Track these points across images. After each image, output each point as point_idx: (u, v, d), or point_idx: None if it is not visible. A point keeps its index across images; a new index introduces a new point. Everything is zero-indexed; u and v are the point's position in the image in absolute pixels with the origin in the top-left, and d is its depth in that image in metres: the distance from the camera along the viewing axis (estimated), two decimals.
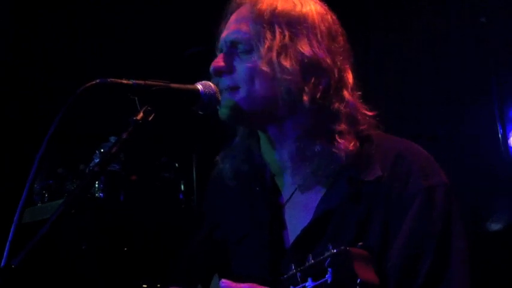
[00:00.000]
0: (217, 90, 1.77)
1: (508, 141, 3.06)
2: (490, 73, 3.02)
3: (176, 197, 3.34)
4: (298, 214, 1.78)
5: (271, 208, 1.83)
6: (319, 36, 1.77)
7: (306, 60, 1.73)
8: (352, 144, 1.71)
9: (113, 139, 3.01)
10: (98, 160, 2.96)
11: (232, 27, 1.81)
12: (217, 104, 1.77)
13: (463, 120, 3.20)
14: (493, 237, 3.20)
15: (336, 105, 1.74)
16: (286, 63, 1.72)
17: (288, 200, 1.83)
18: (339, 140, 1.71)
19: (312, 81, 1.73)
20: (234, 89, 1.77)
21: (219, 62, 1.80)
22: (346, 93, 1.77)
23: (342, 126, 1.73)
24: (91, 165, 2.98)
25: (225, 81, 1.78)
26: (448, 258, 1.63)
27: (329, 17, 1.83)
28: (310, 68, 1.73)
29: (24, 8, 3.80)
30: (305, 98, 1.71)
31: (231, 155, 1.90)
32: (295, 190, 1.81)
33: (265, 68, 1.72)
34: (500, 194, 3.11)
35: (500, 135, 3.05)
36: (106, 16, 3.84)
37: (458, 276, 1.63)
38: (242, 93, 1.76)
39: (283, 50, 1.73)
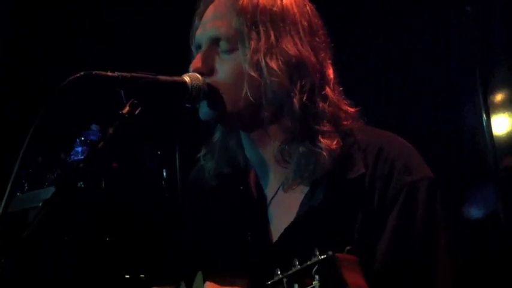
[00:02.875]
0: (205, 81, 1.73)
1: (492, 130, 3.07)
2: (475, 62, 3.01)
3: (159, 186, 3.30)
4: (281, 213, 1.75)
5: (254, 207, 1.80)
6: (301, 32, 1.72)
7: (292, 61, 1.68)
8: (334, 143, 1.68)
9: (94, 127, 2.97)
10: (79, 148, 2.92)
11: (211, 24, 1.75)
12: (204, 97, 1.73)
13: (448, 109, 3.20)
14: (474, 224, 3.22)
15: (320, 105, 1.70)
16: (274, 65, 1.67)
17: (271, 199, 1.79)
18: (322, 140, 1.67)
19: (299, 82, 1.68)
20: (212, 89, 1.72)
21: (198, 63, 1.74)
22: (328, 91, 1.73)
23: (325, 126, 1.69)
24: (72, 153, 2.93)
25: (205, 79, 1.72)
26: (434, 254, 1.62)
27: (308, 8, 1.77)
28: (296, 68, 1.68)
29: (24, 8, 3.74)
30: (295, 100, 1.67)
31: (212, 153, 1.86)
32: (279, 189, 1.77)
33: (252, 71, 1.67)
34: (485, 181, 3.12)
35: (484, 124, 3.05)
36: (106, 16, 3.79)
37: (446, 274, 1.62)
38: (225, 96, 1.71)
39: (269, 51, 1.68)
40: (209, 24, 1.76)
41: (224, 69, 1.72)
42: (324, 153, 1.66)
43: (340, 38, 1.83)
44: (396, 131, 1.82)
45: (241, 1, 1.71)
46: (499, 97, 3.14)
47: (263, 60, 1.66)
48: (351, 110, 1.75)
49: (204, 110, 1.75)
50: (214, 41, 1.74)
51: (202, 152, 1.88)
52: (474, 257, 2.98)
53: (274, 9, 1.71)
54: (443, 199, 1.69)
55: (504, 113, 3.12)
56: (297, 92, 1.67)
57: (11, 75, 3.74)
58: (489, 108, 3.06)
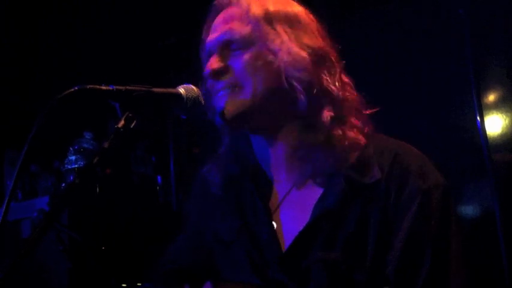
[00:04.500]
0: (200, 93, 1.71)
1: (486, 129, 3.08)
2: (468, 62, 3.02)
3: (153, 192, 3.28)
4: (293, 215, 1.72)
5: (264, 208, 1.76)
6: (314, 33, 1.74)
7: (313, 51, 1.69)
8: (360, 138, 1.68)
9: (87, 135, 2.95)
10: (72, 157, 2.90)
11: (223, 28, 1.73)
12: (200, 107, 1.72)
13: (441, 109, 3.21)
14: (470, 222, 3.24)
15: (346, 94, 1.71)
16: (296, 51, 1.67)
17: (282, 199, 1.76)
18: (347, 131, 1.68)
19: (325, 68, 1.70)
20: (236, 86, 1.69)
21: (213, 63, 1.71)
22: (349, 88, 1.75)
23: (352, 117, 1.70)
24: (65, 162, 2.91)
25: (223, 80, 1.70)
26: (447, 262, 1.60)
27: (312, 17, 1.79)
28: (319, 58, 1.69)
29: (24, 8, 3.72)
30: (332, 88, 1.67)
31: (219, 164, 1.84)
32: (291, 189, 1.75)
33: (274, 58, 1.66)
34: (479, 180, 3.13)
35: (478, 123, 3.07)
36: (106, 17, 3.78)
37: (458, 279, 1.60)
38: (247, 89, 1.68)
39: (289, 41, 1.68)
40: (219, 28, 1.74)
41: (240, 63, 1.69)
42: (346, 146, 1.66)
43: (333, 37, 1.84)
44: (389, 131, 1.82)
45: (252, 9, 1.72)
46: (492, 97, 3.15)
47: (285, 48, 1.67)
48: (366, 111, 1.75)
49: (228, 110, 1.70)
50: (226, 44, 1.72)
51: (208, 167, 1.86)
52: (471, 255, 2.98)
53: (286, 11, 1.73)
54: (455, 206, 1.69)
55: (497, 112, 3.13)
56: (328, 78, 1.69)
57: (11, 75, 3.74)
58: (482, 108, 3.08)
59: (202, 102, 1.71)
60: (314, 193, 1.70)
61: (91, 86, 1.52)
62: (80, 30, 3.80)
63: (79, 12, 3.79)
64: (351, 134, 1.68)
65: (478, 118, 3.08)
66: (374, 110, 1.76)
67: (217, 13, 1.79)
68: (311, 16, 1.79)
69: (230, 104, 1.70)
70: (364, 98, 1.76)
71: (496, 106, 3.15)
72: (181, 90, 1.68)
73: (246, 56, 1.69)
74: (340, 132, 1.68)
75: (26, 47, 3.82)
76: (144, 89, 1.60)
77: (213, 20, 1.80)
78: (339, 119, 1.69)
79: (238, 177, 1.82)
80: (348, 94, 1.72)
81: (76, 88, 1.49)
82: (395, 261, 1.59)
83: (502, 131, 3.13)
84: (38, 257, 2.84)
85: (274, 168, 1.79)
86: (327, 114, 1.68)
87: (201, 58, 1.82)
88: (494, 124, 3.15)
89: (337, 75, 1.72)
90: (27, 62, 3.83)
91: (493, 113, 3.15)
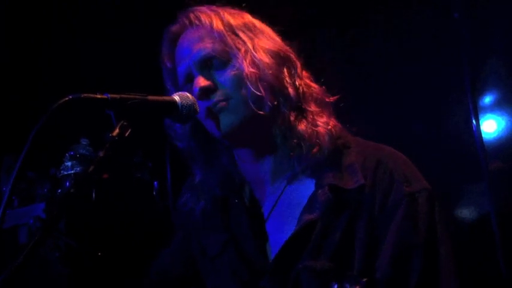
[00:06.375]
0: (195, 100, 1.73)
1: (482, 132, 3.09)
2: (464, 65, 3.03)
3: (150, 197, 3.27)
4: (280, 226, 1.74)
5: (251, 221, 1.79)
6: (270, 36, 1.84)
7: (275, 54, 1.78)
8: (331, 123, 1.76)
9: (84, 141, 2.94)
10: (68, 163, 2.89)
11: (197, 47, 1.78)
12: (195, 114, 1.73)
13: (437, 112, 3.21)
14: (466, 225, 3.24)
15: (305, 89, 1.81)
16: (265, 59, 1.75)
17: (269, 212, 1.79)
18: (318, 119, 1.75)
19: (286, 71, 1.77)
20: (226, 101, 1.74)
21: (201, 82, 1.75)
22: (308, 81, 1.84)
23: (316, 108, 1.77)
24: (62, 168, 2.91)
25: (213, 98, 1.75)
26: (436, 266, 1.62)
27: (264, 24, 1.90)
28: (280, 59, 1.78)
29: (24, 9, 3.71)
30: (290, 90, 1.76)
31: (202, 187, 1.88)
32: (277, 201, 1.78)
33: (252, 69, 1.72)
34: (476, 184, 3.13)
35: (474, 126, 3.07)
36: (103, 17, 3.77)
37: (447, 283, 1.61)
38: (235, 101, 1.74)
39: (257, 49, 1.76)
40: (194, 49, 1.78)
41: (226, 78, 1.76)
42: (323, 131, 1.72)
43: (327, 39, 1.89)
44: (385, 135, 1.83)
45: (215, 25, 1.78)
46: (487, 100, 3.16)
47: (256, 57, 1.74)
48: (331, 99, 1.84)
49: (224, 122, 1.77)
50: (206, 61, 1.78)
51: (188, 193, 1.90)
52: (466, 258, 2.99)
53: (244, 21, 1.83)
54: (441, 209, 1.69)
55: (493, 115, 3.14)
56: (288, 80, 1.77)
57: (11, 75, 3.73)
58: (478, 111, 3.08)
59: (198, 109, 1.72)
60: (299, 203, 1.72)
61: (85, 94, 1.53)
62: (80, 32, 3.80)
63: (80, 13, 3.78)
64: (320, 122, 1.75)
65: (474, 121, 3.09)
66: (336, 97, 1.84)
67: (175, 41, 1.85)
68: (263, 23, 1.89)
69: (226, 117, 1.74)
70: (325, 88, 1.86)
71: (492, 109, 3.15)
72: (176, 97, 1.69)
73: (231, 73, 1.75)
74: (310, 121, 1.75)
75: (26, 52, 3.80)
76: (138, 97, 1.61)
77: (172, 48, 1.86)
78: (303, 113, 1.77)
79: (223, 196, 1.85)
80: (309, 87, 1.81)
81: (70, 97, 1.50)
82: (385, 268, 1.60)
83: (498, 134, 3.13)
84: (33, 265, 2.83)
85: (260, 183, 1.82)
86: (291, 111, 1.77)
87: (167, 85, 1.88)
88: (490, 127, 3.15)
89: (298, 71, 1.81)
90: (27, 66, 3.81)
91: (488, 116, 3.16)
